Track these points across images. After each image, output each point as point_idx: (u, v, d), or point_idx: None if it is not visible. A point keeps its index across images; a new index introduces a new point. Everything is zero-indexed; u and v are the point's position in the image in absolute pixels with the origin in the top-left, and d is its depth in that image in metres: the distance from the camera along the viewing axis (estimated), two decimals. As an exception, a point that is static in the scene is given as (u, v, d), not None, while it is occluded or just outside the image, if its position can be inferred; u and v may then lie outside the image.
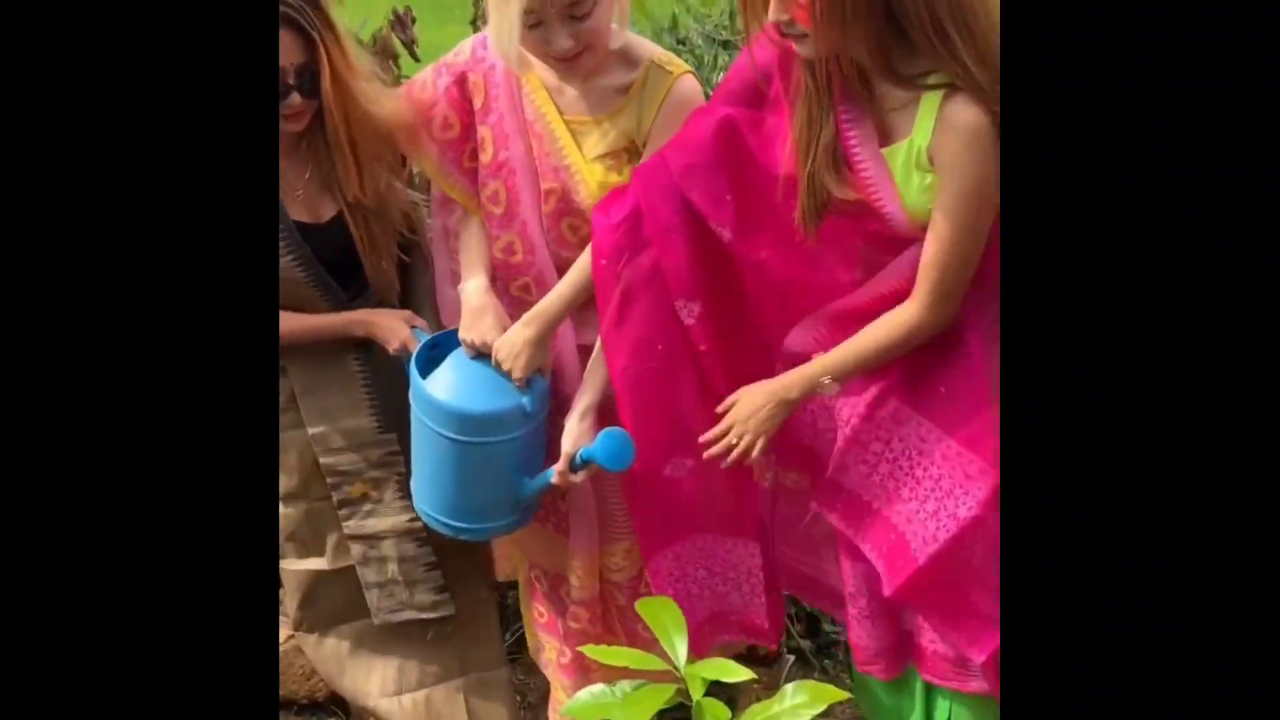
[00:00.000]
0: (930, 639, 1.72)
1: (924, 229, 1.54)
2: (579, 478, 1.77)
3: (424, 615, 2.07)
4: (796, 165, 1.58)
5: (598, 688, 1.67)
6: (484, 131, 1.79)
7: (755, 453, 1.64)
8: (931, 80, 1.47)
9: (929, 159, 1.49)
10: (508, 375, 1.77)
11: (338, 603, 2.10)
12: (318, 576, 2.08)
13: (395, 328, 1.92)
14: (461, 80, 1.80)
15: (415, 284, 2.08)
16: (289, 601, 2.13)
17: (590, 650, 1.75)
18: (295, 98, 1.81)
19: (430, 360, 1.85)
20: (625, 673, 1.65)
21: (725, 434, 1.64)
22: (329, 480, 2.02)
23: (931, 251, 1.53)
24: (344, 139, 1.85)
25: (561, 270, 1.80)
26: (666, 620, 1.66)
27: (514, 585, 2.56)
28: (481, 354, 1.80)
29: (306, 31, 1.78)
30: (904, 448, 1.60)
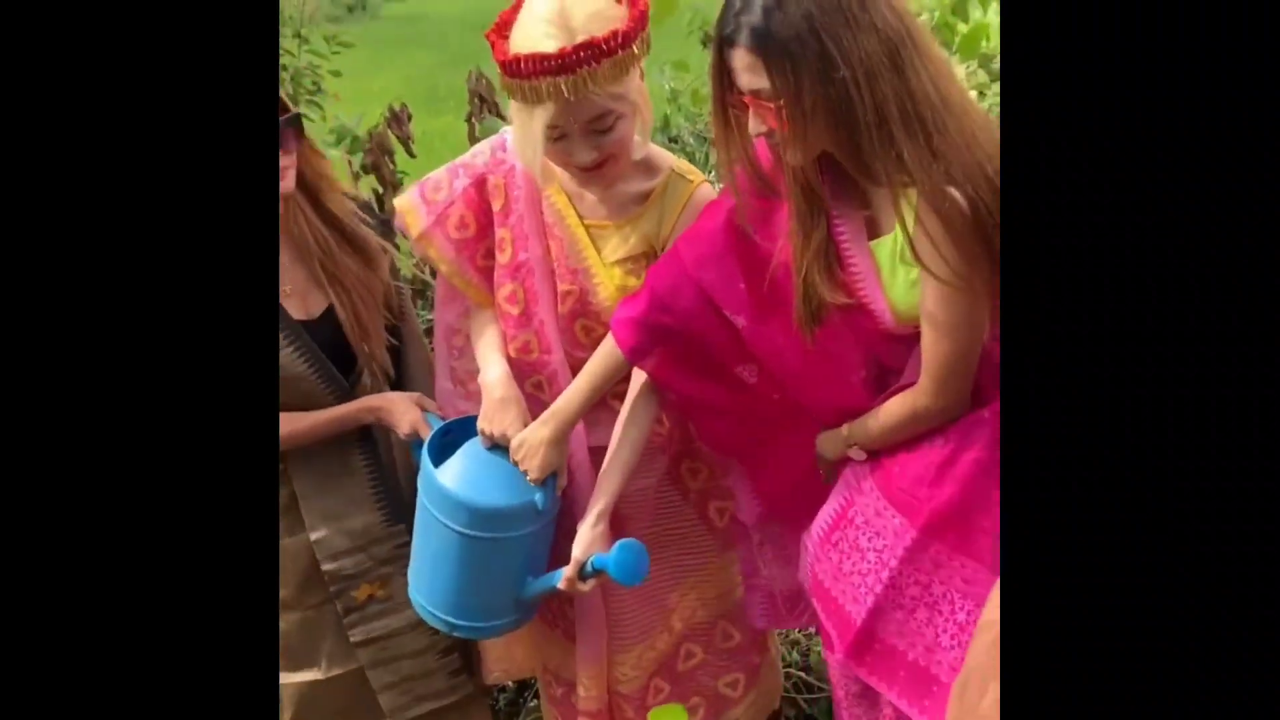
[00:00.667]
0: None
1: (914, 325, 1.54)
2: (587, 586, 1.73)
3: (443, 701, 2.01)
4: (792, 269, 1.59)
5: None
6: (503, 233, 1.79)
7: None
8: (902, 180, 1.47)
9: (913, 254, 1.49)
10: (524, 473, 1.75)
11: (329, 711, 2.04)
12: (311, 688, 2.02)
13: (405, 410, 1.89)
14: (480, 183, 1.80)
15: (409, 364, 2.05)
16: (282, 715, 2.06)
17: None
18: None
19: (442, 448, 1.81)
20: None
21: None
22: (332, 588, 1.96)
23: (927, 341, 1.53)
24: (325, 191, 1.88)
25: (575, 370, 1.79)
26: (673, 724, 1.63)
27: (504, 687, 2.51)
28: (498, 446, 1.77)
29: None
30: (945, 590, 1.56)
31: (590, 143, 1.61)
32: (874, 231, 1.55)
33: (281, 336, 1.86)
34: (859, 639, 1.62)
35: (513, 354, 1.82)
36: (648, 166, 1.76)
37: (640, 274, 1.74)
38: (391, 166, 3.23)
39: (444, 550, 1.75)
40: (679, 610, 1.96)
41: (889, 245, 1.52)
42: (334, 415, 1.91)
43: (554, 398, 1.79)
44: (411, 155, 3.31)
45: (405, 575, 1.91)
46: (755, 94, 1.45)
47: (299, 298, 1.91)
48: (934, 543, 1.55)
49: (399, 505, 1.96)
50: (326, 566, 1.94)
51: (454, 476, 1.75)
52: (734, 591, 1.99)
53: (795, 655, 2.41)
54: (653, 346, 1.68)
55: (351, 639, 1.98)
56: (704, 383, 1.72)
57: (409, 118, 3.32)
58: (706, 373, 1.71)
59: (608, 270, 1.76)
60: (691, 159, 2.89)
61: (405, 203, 1.84)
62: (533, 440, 1.73)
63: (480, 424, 1.78)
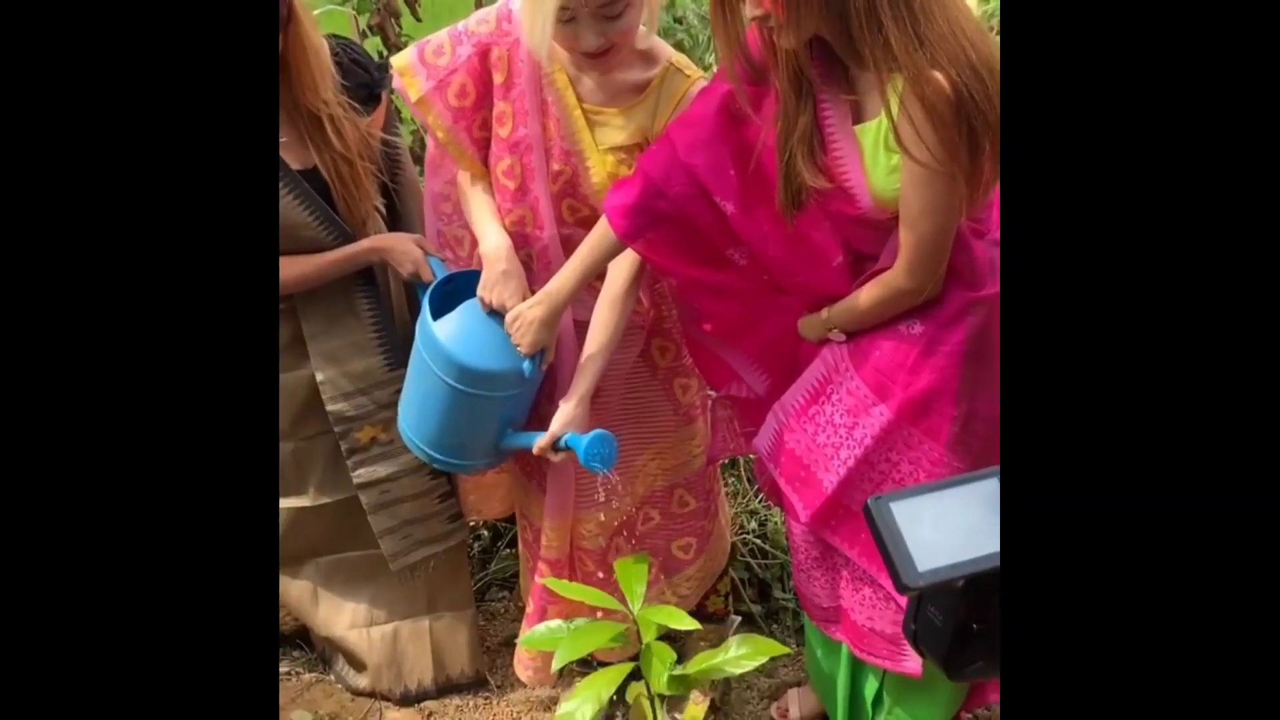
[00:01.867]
0: (866, 616, 1.79)
1: (891, 210, 1.60)
2: (557, 458, 1.83)
3: (441, 546, 2.12)
4: (779, 156, 1.63)
5: (553, 623, 1.77)
6: (504, 106, 1.82)
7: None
8: (889, 66, 1.50)
9: (895, 137, 1.53)
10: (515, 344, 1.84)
11: (315, 538, 2.15)
12: (297, 514, 2.12)
13: (408, 251, 1.94)
14: (484, 53, 1.82)
15: (405, 215, 2.10)
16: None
17: (551, 583, 1.84)
18: None
19: (443, 297, 1.89)
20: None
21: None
22: (336, 428, 2.04)
23: (903, 223, 1.59)
24: (294, 56, 1.84)
25: (561, 244, 1.87)
26: (634, 573, 1.75)
27: (479, 535, 2.64)
28: (494, 311, 1.85)
29: None
30: (912, 469, 1.66)
31: (598, 27, 1.64)
32: (859, 117, 1.60)
33: (281, 185, 1.91)
34: (827, 506, 1.72)
35: (508, 225, 1.87)
36: (647, 57, 1.79)
37: (631, 163, 1.79)
38: (397, 29, 3.23)
39: (432, 395, 1.85)
40: (642, 476, 2.07)
41: (873, 130, 1.57)
42: (340, 255, 1.96)
43: (543, 270, 1.87)
44: (418, 19, 3.30)
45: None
46: None
47: (294, 150, 1.95)
48: (907, 425, 1.65)
49: (399, 350, 2.03)
50: (331, 407, 2.02)
51: (450, 333, 1.83)
52: (691, 462, 2.10)
53: (754, 524, 2.53)
54: (645, 230, 1.73)
55: (355, 480, 2.06)
56: (696, 265, 1.78)
57: (417, -19, 3.31)
58: (698, 255, 1.77)
59: (600, 156, 1.80)
60: (694, 40, 2.91)
61: (404, 64, 1.83)
62: (527, 317, 1.80)
63: (480, 292, 1.85)
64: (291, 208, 1.92)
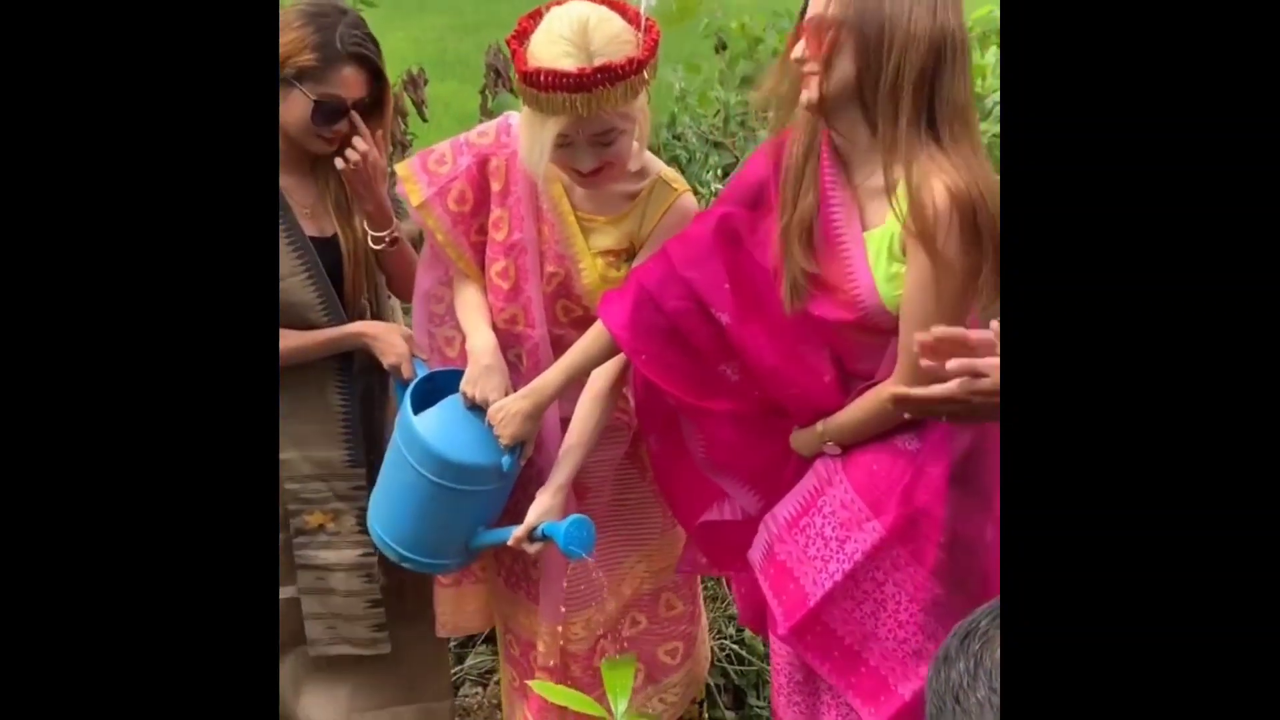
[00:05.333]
0: None
1: (887, 317, 1.64)
2: (533, 549, 1.85)
3: (360, 652, 2.13)
4: (780, 242, 1.69)
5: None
6: (500, 213, 1.91)
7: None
8: (902, 160, 1.57)
9: (902, 249, 1.59)
10: (496, 437, 1.87)
11: (296, 626, 2.16)
12: (285, 605, 2.12)
13: (394, 343, 2.00)
14: (483, 162, 1.92)
15: (387, 301, 2.17)
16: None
17: (538, 686, 1.85)
18: (344, 126, 1.95)
19: (423, 395, 1.93)
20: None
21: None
22: (289, 507, 2.08)
23: (904, 332, 1.63)
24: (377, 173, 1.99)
25: (552, 345, 1.93)
26: (618, 677, 1.77)
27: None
28: (476, 406, 1.89)
29: (376, 68, 1.94)
30: (895, 591, 1.69)
31: (593, 152, 1.74)
32: (864, 224, 1.66)
33: (294, 257, 1.98)
34: (805, 620, 1.74)
35: (499, 325, 1.94)
36: (638, 171, 1.88)
37: (620, 267, 1.88)
38: (404, 128, 3.35)
39: (408, 490, 1.87)
40: (629, 579, 2.09)
41: (879, 237, 1.63)
42: (327, 336, 2.02)
43: (531, 369, 1.92)
44: (424, 119, 3.43)
45: (355, 515, 2.04)
46: (813, 19, 1.57)
47: (315, 218, 2.04)
48: (897, 546, 1.68)
49: (362, 449, 2.07)
50: (288, 486, 2.06)
51: (431, 426, 1.86)
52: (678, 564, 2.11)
53: (731, 629, 2.57)
54: (645, 346, 1.77)
55: (296, 560, 2.09)
56: (690, 388, 1.81)
57: (425, 82, 3.45)
58: (692, 377, 1.81)
59: (592, 259, 1.89)
60: (692, 158, 3.04)
61: (407, 172, 1.94)
62: (511, 410, 1.84)
63: (464, 386, 1.89)
64: (299, 286, 1.99)
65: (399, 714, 2.20)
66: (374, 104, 1.98)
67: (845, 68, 1.57)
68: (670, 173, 1.92)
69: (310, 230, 2.04)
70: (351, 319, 2.08)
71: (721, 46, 3.33)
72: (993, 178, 1.59)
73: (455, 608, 2.18)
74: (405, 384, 1.96)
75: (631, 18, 1.73)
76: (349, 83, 1.93)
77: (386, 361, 2.00)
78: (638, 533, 2.09)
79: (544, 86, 1.66)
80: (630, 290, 1.78)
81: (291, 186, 2.04)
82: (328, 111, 1.93)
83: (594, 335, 1.82)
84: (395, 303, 2.24)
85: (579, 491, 1.97)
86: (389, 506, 1.93)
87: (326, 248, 2.05)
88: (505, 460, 1.86)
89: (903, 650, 1.70)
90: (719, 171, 2.99)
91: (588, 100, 1.65)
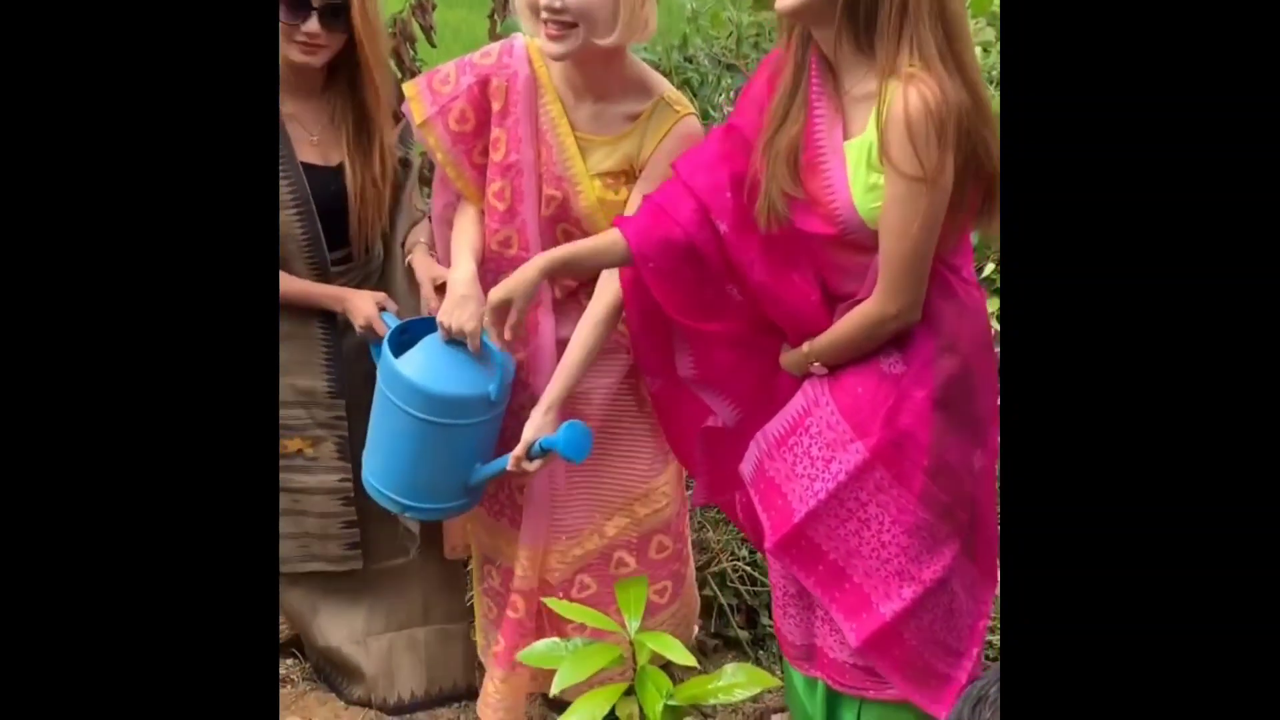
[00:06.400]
0: (839, 649, 1.82)
1: (868, 233, 1.65)
2: (534, 466, 1.88)
3: (331, 568, 2.18)
4: (763, 158, 1.70)
5: (552, 641, 1.82)
6: (499, 133, 1.92)
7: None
8: (896, 66, 1.57)
9: (881, 149, 1.59)
10: (479, 365, 1.88)
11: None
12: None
13: (364, 307, 2.04)
14: (484, 81, 1.92)
15: (393, 233, 2.17)
16: None
17: (551, 602, 1.88)
18: (314, 25, 1.93)
19: (400, 345, 1.94)
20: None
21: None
22: None
23: (883, 244, 1.64)
24: (373, 71, 1.97)
25: None
26: (632, 595, 1.81)
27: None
28: (455, 340, 1.90)
29: None
30: (879, 512, 1.72)
31: None
32: (846, 133, 1.67)
33: (286, 187, 1.98)
34: (790, 534, 1.78)
35: (494, 247, 1.95)
36: (641, 89, 1.87)
37: (618, 190, 1.88)
38: (412, 54, 3.31)
39: (400, 434, 1.89)
40: (614, 520, 2.09)
41: (857, 146, 1.64)
42: (303, 290, 2.05)
43: None
44: (433, 45, 3.38)
45: (334, 442, 2.09)
46: None
47: (322, 147, 2.05)
48: (880, 467, 1.70)
49: (343, 380, 2.11)
50: None
51: (414, 365, 1.88)
52: (668, 507, 2.11)
53: (745, 551, 2.60)
54: (655, 256, 1.78)
55: None
56: (693, 301, 1.82)
57: (433, 7, 3.40)
58: (697, 288, 1.82)
59: (590, 181, 1.89)
60: (704, 80, 3.00)
61: (412, 90, 1.95)
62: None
63: (440, 316, 1.90)
64: (286, 219, 2.00)
65: (414, 636, 2.26)
66: (346, 5, 1.94)
67: None
68: (674, 94, 1.90)
69: (312, 158, 2.04)
70: (359, 255, 2.09)
71: (733, -34, 3.25)
72: (983, 96, 1.58)
73: (462, 529, 2.21)
74: (379, 342, 1.97)
75: None
76: None
77: (357, 324, 2.03)
78: (628, 474, 2.08)
79: None
80: (645, 208, 1.80)
81: (298, 111, 2.03)
82: (291, 5, 1.91)
83: (589, 343, 1.86)
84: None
85: (577, 418, 1.96)
86: (383, 458, 1.93)
87: (328, 177, 2.05)
88: (492, 388, 1.86)
89: (886, 569, 1.73)
90: (731, 94, 2.95)
91: None
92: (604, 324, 1.89)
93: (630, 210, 1.87)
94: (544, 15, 1.76)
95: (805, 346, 1.78)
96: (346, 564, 2.19)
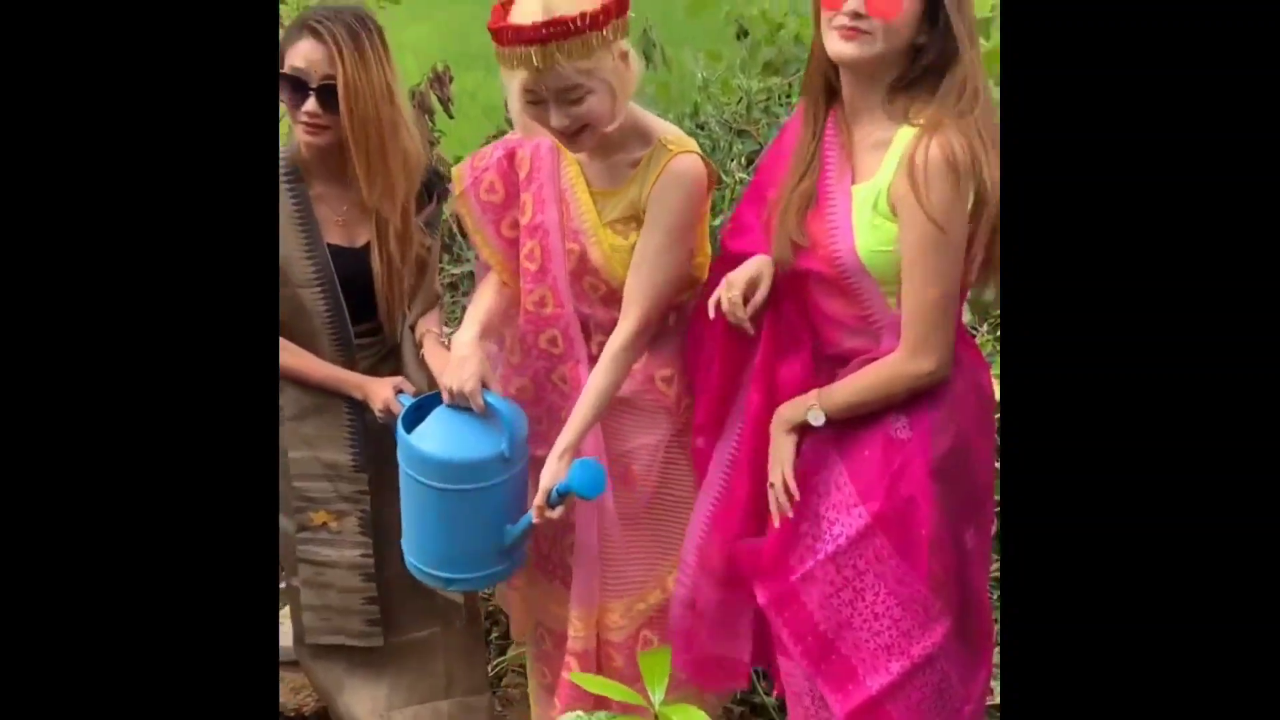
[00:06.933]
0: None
1: (869, 277, 1.67)
2: (556, 513, 1.87)
3: (353, 643, 2.18)
4: (776, 206, 1.74)
5: (576, 714, 1.81)
6: (525, 196, 1.99)
7: (785, 487, 1.77)
8: (913, 116, 1.62)
9: (889, 204, 1.62)
10: (489, 427, 1.89)
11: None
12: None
13: (380, 392, 2.06)
14: (512, 154, 2.00)
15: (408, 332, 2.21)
16: (295, 617, 2.25)
17: (576, 677, 1.89)
18: (313, 105, 1.97)
19: (417, 421, 1.95)
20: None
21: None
22: (295, 504, 2.14)
23: (912, 297, 1.65)
24: (358, 157, 1.98)
25: (583, 325, 1.97)
26: (656, 667, 1.80)
27: (497, 621, 2.70)
28: (461, 405, 1.91)
29: (330, 46, 1.94)
30: (874, 582, 1.71)
31: (562, 111, 1.78)
32: (854, 178, 1.70)
33: (310, 266, 2.04)
34: (785, 593, 1.76)
35: (530, 308, 1.99)
36: (642, 137, 1.90)
37: (628, 235, 1.91)
38: (430, 125, 3.39)
39: (427, 508, 1.90)
40: (674, 574, 2.05)
41: (865, 190, 1.67)
42: (325, 375, 2.09)
43: (566, 349, 1.97)
44: (450, 116, 3.46)
45: (357, 518, 2.10)
46: None
47: (347, 226, 2.09)
48: (881, 535, 1.69)
49: (365, 456, 2.12)
50: (297, 484, 2.12)
51: (425, 437, 1.89)
52: None
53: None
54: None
55: (297, 555, 2.16)
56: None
57: (450, 80, 3.47)
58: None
59: (603, 230, 1.93)
60: (716, 146, 3.05)
61: (457, 172, 2.04)
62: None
63: (441, 380, 1.93)
64: (310, 296, 2.05)
65: (438, 709, 2.25)
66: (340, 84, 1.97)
67: (906, 34, 1.60)
68: (674, 136, 1.92)
69: (338, 238, 2.08)
70: (388, 331, 2.14)
71: (743, 33, 3.33)
72: (995, 149, 1.60)
73: (524, 608, 2.20)
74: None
75: None
76: (303, 55, 1.95)
77: (375, 408, 2.06)
78: (682, 527, 2.04)
79: (505, 41, 1.74)
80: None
81: (325, 192, 2.09)
82: (289, 86, 1.96)
83: (603, 380, 1.87)
84: None
85: (625, 477, 1.99)
86: (417, 535, 1.94)
87: (353, 257, 2.09)
88: (504, 446, 1.86)
89: (875, 642, 1.72)
90: (743, 159, 3.00)
91: (541, 53, 1.72)
92: (617, 357, 1.89)
93: (637, 255, 1.89)
94: (556, 133, 1.84)
95: (814, 395, 1.75)
96: (368, 640, 2.20)
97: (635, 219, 1.92)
